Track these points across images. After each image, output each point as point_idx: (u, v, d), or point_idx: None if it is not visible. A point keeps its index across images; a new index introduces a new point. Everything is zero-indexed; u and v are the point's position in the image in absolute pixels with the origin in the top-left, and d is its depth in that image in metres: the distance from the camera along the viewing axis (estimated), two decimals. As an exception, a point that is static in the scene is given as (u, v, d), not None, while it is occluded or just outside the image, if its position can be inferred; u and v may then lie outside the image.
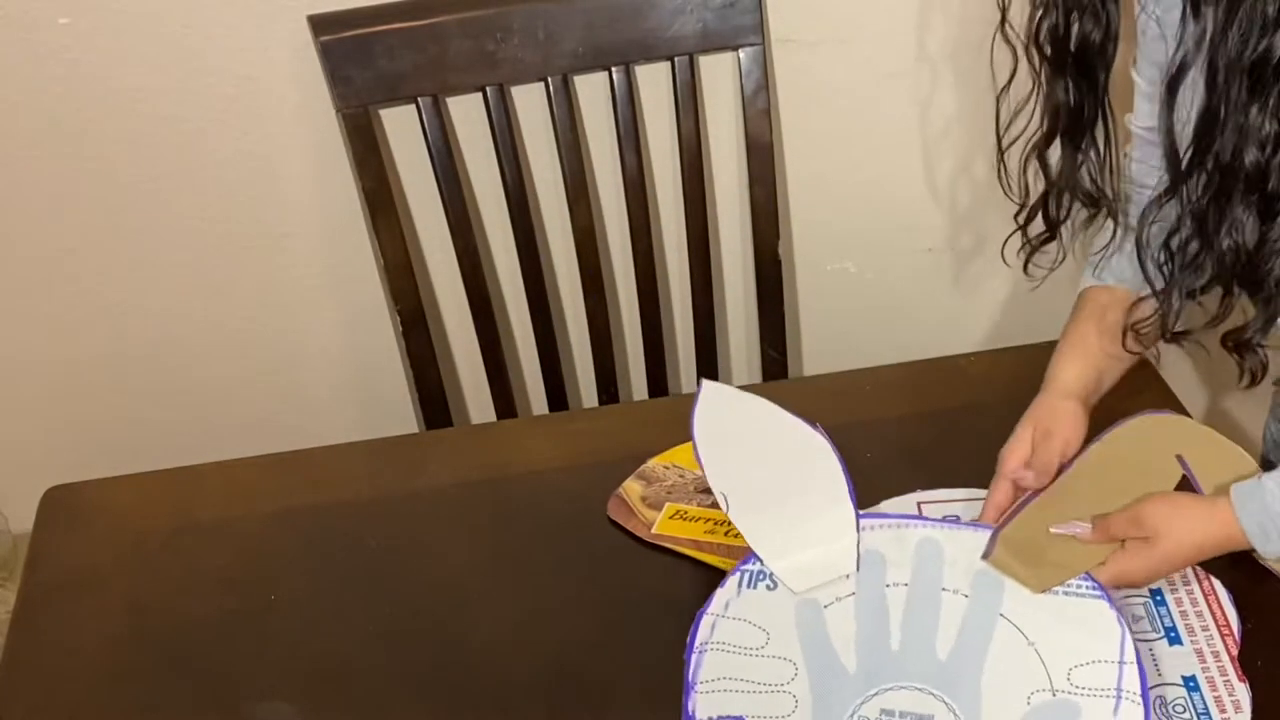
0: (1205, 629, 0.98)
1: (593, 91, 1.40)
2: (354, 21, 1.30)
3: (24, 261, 1.43)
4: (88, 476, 1.21)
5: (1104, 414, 1.14)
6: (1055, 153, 1.07)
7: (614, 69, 1.36)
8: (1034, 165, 1.08)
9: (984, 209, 1.57)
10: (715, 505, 1.12)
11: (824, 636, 0.96)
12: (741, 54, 1.38)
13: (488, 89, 1.34)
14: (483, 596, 1.08)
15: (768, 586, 0.99)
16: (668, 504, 1.12)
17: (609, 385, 1.54)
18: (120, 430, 1.56)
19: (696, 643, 0.96)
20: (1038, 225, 1.12)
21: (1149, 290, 1.02)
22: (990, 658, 0.94)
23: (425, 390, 1.46)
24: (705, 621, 0.97)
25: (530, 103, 1.39)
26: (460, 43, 1.32)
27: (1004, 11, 1.04)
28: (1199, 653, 0.97)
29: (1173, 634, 0.98)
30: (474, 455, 1.24)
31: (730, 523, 1.10)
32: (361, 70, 1.30)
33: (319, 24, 1.29)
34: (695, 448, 1.01)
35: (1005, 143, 1.08)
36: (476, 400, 1.60)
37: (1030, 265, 1.10)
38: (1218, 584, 1.02)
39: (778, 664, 0.95)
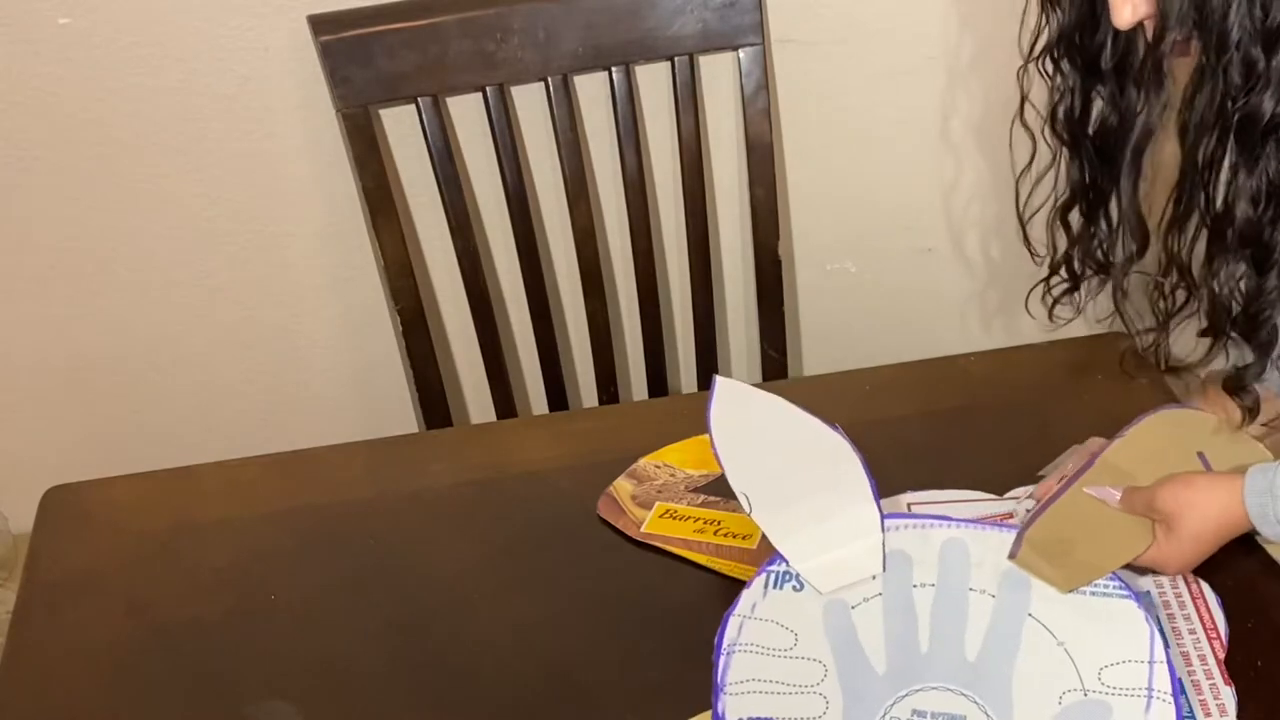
0: (1192, 632, 0.98)
1: (593, 91, 1.40)
2: (354, 21, 1.30)
3: (24, 261, 1.43)
4: (88, 476, 1.21)
5: (1107, 400, 1.14)
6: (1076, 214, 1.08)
7: (614, 69, 1.36)
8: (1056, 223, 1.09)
9: (985, 209, 1.57)
10: (705, 504, 1.12)
11: (853, 637, 0.96)
12: (741, 54, 1.38)
13: (488, 89, 1.34)
14: (482, 596, 1.08)
15: (794, 587, 0.98)
16: (658, 503, 1.12)
17: (609, 385, 1.54)
18: (120, 430, 1.56)
19: (724, 644, 0.95)
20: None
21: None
22: (1020, 658, 0.94)
23: (425, 390, 1.46)
24: (732, 623, 0.96)
25: (530, 103, 1.39)
26: (460, 43, 1.32)
27: (1024, 96, 1.04)
28: (1185, 656, 0.96)
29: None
30: (474, 455, 1.24)
31: (720, 522, 1.10)
32: (361, 70, 1.30)
33: (319, 24, 1.29)
34: (713, 444, 1.00)
35: (1027, 194, 1.09)
36: (476, 400, 1.60)
37: (1053, 314, 1.11)
38: (1205, 587, 1.01)
39: (807, 665, 0.95)
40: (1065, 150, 1.03)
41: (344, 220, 1.44)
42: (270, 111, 1.36)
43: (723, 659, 0.95)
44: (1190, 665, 0.95)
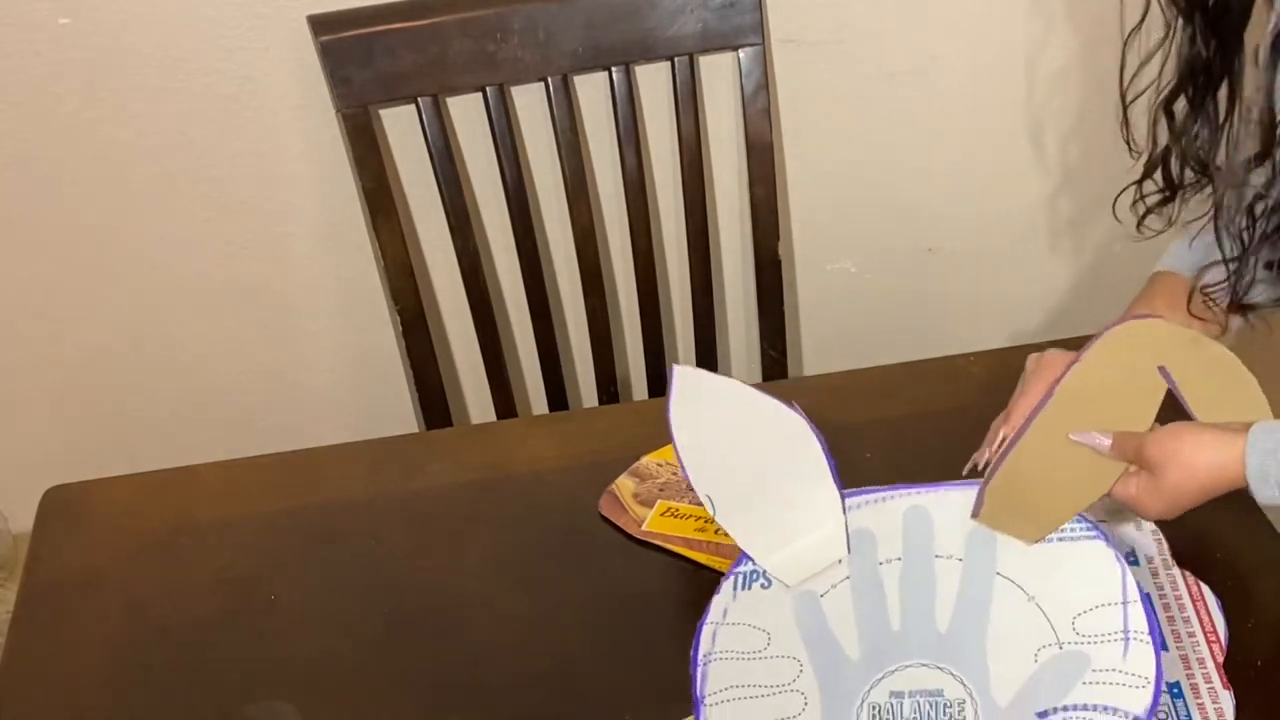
0: (1191, 635, 0.97)
1: (593, 91, 1.40)
2: (354, 21, 1.30)
3: (24, 261, 1.43)
4: (88, 476, 1.21)
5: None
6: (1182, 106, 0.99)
7: (614, 69, 1.36)
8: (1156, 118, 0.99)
9: (986, 208, 1.57)
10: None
11: (824, 628, 0.95)
12: (741, 54, 1.38)
13: (488, 89, 1.34)
14: (482, 596, 1.08)
15: (762, 585, 0.97)
16: (659, 501, 1.13)
17: (609, 385, 1.54)
18: (120, 430, 1.56)
19: (700, 655, 0.94)
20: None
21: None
22: (992, 620, 0.92)
23: (425, 390, 1.46)
24: (706, 632, 0.95)
25: (530, 103, 1.39)
26: (460, 43, 1.32)
27: None
28: (1184, 659, 0.96)
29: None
30: (474, 455, 1.24)
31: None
32: (361, 70, 1.30)
33: (319, 24, 1.29)
34: (673, 439, 0.99)
35: (1129, 85, 0.99)
36: (476, 400, 1.60)
37: (1143, 225, 1.03)
38: (1205, 589, 1.01)
39: (782, 663, 0.94)
40: (1180, 21, 0.93)
41: (344, 220, 1.44)
42: (270, 111, 1.36)
43: (699, 670, 0.93)
44: (1189, 669, 0.95)
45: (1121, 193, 1.04)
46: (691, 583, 1.06)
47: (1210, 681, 0.94)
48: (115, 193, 1.39)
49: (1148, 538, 1.05)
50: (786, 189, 1.51)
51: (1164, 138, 0.99)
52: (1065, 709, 0.88)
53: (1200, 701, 0.93)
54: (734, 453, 1.00)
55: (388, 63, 1.31)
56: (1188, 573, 1.02)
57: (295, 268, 1.48)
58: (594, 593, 1.07)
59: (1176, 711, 0.92)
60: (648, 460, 1.17)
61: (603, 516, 1.12)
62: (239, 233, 1.44)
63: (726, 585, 0.97)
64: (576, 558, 1.11)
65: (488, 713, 0.99)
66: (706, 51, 1.38)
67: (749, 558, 0.98)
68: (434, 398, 1.47)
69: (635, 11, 1.34)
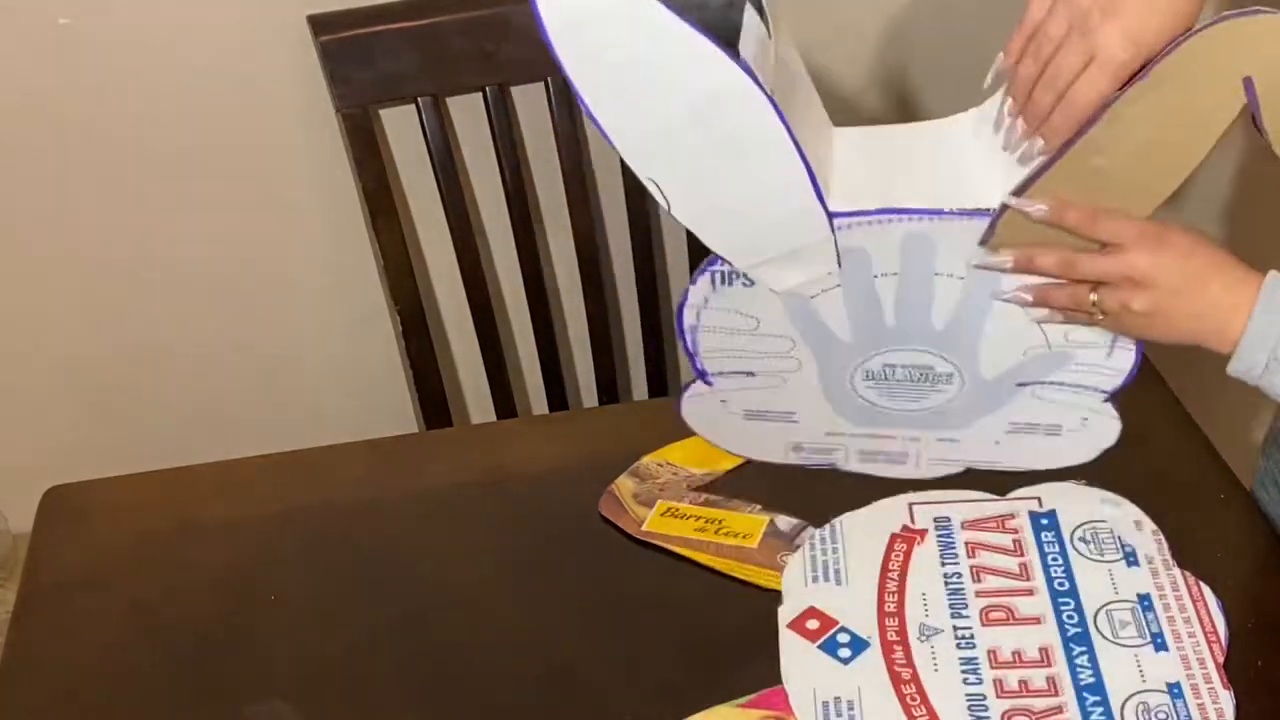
0: (1192, 635, 0.97)
1: (593, 91, 1.40)
2: (354, 21, 1.30)
3: (24, 261, 1.43)
4: (88, 476, 1.21)
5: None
6: None
7: (614, 69, 1.36)
8: None
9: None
10: (707, 503, 1.12)
11: (816, 318, 0.91)
12: (741, 54, 1.38)
13: (488, 89, 1.34)
14: (483, 596, 1.08)
15: (745, 284, 0.90)
16: (659, 501, 1.12)
17: (609, 385, 1.54)
18: (120, 430, 1.56)
19: (686, 326, 0.92)
20: None
21: None
22: (988, 328, 0.92)
23: (425, 390, 1.46)
24: (689, 312, 0.91)
25: (530, 103, 1.39)
26: (460, 43, 1.32)
27: None
28: (1184, 659, 0.95)
29: (1159, 640, 0.97)
30: (474, 455, 1.24)
31: (722, 521, 1.09)
32: (361, 70, 1.30)
33: (319, 24, 1.29)
34: (578, 96, 0.78)
35: None
36: (476, 400, 1.60)
37: None
38: (1206, 589, 1.00)
39: (774, 339, 0.92)
40: None
41: (344, 220, 1.44)
42: (270, 111, 1.36)
43: (689, 337, 0.93)
44: (1189, 669, 0.95)
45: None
46: (691, 583, 1.06)
47: (1210, 681, 0.94)
48: (115, 193, 1.39)
49: (1148, 538, 1.04)
50: (786, 189, 1.51)
51: None
52: (1044, 383, 0.96)
53: (1200, 701, 0.92)
54: (655, 102, 0.82)
55: (388, 63, 1.31)
56: (1188, 573, 1.02)
57: (295, 268, 1.48)
58: (594, 593, 1.07)
59: (1176, 711, 0.92)
60: (648, 460, 1.17)
61: (603, 516, 1.12)
62: (238, 232, 1.44)
63: (703, 280, 0.90)
64: (576, 557, 1.11)
65: (487, 712, 0.99)
66: (706, 51, 1.38)
67: (723, 259, 0.88)
68: (434, 398, 1.47)
69: (635, 11, 1.34)
